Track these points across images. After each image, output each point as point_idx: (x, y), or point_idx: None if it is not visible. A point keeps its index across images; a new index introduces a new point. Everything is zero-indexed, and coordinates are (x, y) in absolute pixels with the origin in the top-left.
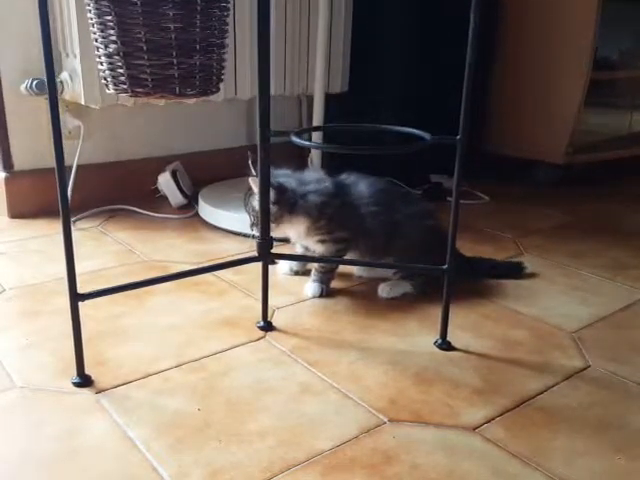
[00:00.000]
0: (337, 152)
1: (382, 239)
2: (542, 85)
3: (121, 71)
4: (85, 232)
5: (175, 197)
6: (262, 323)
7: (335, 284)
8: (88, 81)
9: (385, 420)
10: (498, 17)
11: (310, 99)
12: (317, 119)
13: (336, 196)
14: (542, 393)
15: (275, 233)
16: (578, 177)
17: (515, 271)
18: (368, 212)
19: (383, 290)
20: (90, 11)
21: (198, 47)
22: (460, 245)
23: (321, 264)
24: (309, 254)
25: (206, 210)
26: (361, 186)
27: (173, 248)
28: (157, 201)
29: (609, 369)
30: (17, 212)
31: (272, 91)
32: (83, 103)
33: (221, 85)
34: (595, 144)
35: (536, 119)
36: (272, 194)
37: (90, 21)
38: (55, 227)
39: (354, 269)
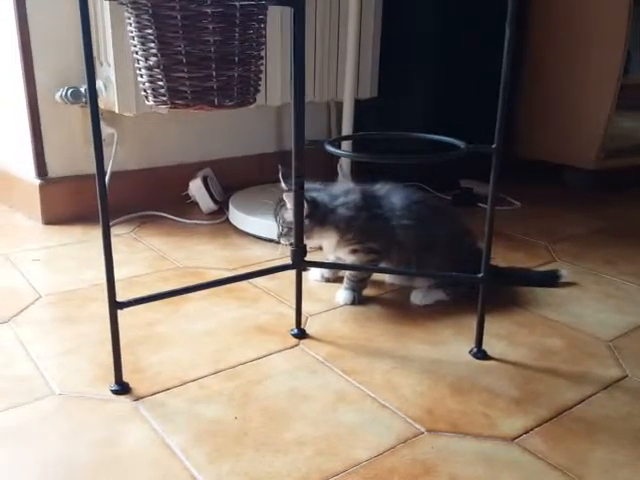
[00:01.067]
0: (371, 162)
1: (415, 253)
2: (572, 89)
3: (161, 83)
4: (119, 238)
5: (206, 203)
6: (296, 330)
7: (367, 291)
8: (123, 90)
9: (423, 430)
10: (527, 21)
11: (339, 105)
12: (347, 125)
13: (364, 208)
14: (580, 403)
15: (308, 244)
16: (609, 182)
17: (550, 280)
18: (400, 225)
19: (416, 297)
20: (130, 24)
21: (237, 59)
22: (493, 251)
23: (353, 272)
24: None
25: (236, 216)
26: (394, 198)
27: (205, 254)
28: (188, 207)
29: None
30: (51, 218)
31: None
32: (117, 111)
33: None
34: (626, 149)
35: (567, 123)
36: (305, 208)
37: (130, 34)
38: (89, 233)
39: (386, 277)
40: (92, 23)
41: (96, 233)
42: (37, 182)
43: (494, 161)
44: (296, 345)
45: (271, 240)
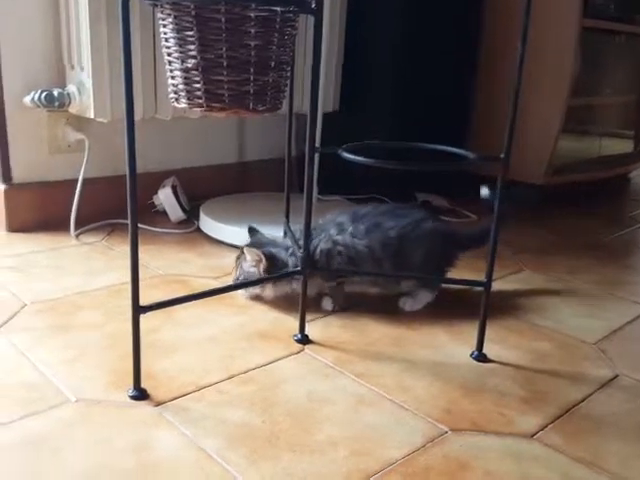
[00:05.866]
0: (387, 167)
1: (387, 263)
2: (523, 110)
3: (198, 86)
4: (91, 246)
5: (175, 212)
6: (299, 336)
7: (356, 299)
8: (98, 94)
9: (446, 429)
10: (478, 44)
11: (299, 118)
12: (318, 138)
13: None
14: (583, 401)
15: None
16: (554, 196)
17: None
18: (361, 250)
19: (405, 303)
20: (165, 26)
21: (273, 64)
22: (460, 260)
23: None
24: None
25: (211, 225)
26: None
27: (185, 263)
28: (154, 216)
29: (636, 378)
30: (16, 226)
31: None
32: (92, 116)
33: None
34: (570, 165)
35: (517, 141)
36: (263, 263)
37: (164, 35)
38: (59, 240)
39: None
40: (64, 26)
41: (65, 240)
42: (1, 188)
43: (501, 170)
44: (301, 350)
45: None
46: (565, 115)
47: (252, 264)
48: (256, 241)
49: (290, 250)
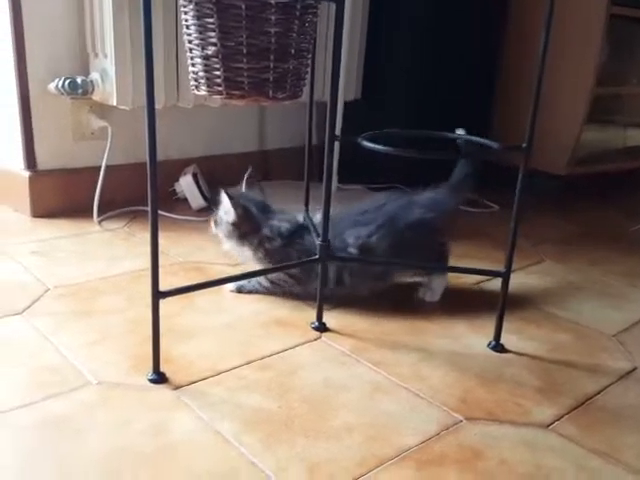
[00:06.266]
0: (408, 156)
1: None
2: (546, 100)
3: (218, 73)
4: (113, 233)
5: (196, 200)
6: (316, 324)
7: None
8: (121, 82)
9: (461, 418)
10: (503, 31)
11: (320, 106)
12: (338, 127)
13: (283, 236)
14: (599, 393)
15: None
16: (577, 187)
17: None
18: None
19: (424, 294)
20: (186, 13)
21: (293, 52)
22: (479, 251)
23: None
24: None
25: None
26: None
27: (205, 250)
28: (175, 203)
29: None
30: (40, 211)
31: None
32: (115, 104)
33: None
34: (595, 155)
35: (540, 131)
36: (234, 215)
37: (185, 22)
38: (82, 226)
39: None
40: (87, 14)
41: (88, 227)
42: (26, 174)
43: (523, 160)
44: (318, 338)
45: None
46: (590, 105)
47: (224, 212)
48: (244, 194)
49: (274, 219)
